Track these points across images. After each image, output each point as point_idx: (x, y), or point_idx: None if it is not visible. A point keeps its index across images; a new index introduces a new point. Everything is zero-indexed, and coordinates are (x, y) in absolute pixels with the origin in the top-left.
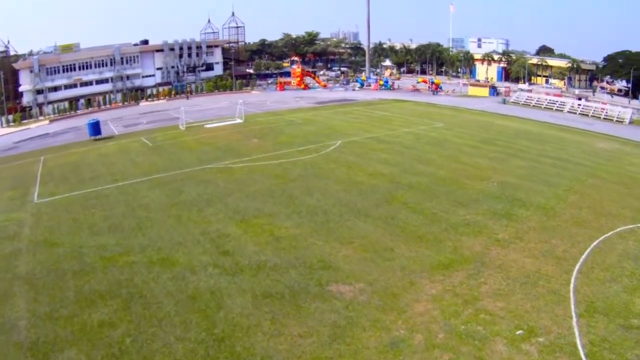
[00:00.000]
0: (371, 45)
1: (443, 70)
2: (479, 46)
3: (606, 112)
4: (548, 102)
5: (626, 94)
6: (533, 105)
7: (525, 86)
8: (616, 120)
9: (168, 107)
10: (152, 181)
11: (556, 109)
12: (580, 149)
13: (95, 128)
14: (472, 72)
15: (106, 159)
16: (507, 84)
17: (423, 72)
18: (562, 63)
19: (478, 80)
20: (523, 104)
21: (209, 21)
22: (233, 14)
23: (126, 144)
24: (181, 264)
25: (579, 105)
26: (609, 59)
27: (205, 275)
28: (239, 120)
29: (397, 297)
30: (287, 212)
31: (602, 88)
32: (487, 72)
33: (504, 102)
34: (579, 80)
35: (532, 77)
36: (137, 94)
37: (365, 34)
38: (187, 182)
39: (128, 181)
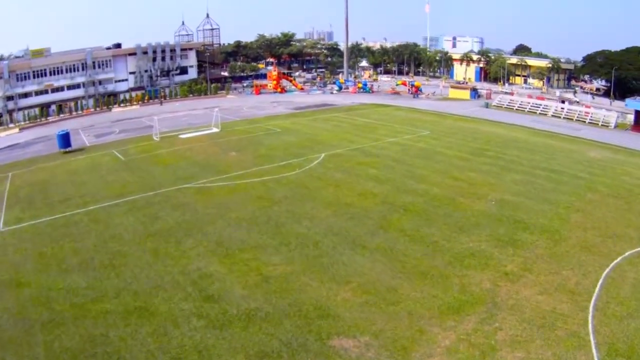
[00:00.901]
0: (350, 45)
1: (420, 70)
2: (454, 45)
3: (591, 116)
4: (531, 106)
5: (605, 94)
6: (516, 109)
7: (506, 88)
8: (601, 125)
9: (141, 113)
10: (126, 204)
11: (540, 113)
12: (572, 158)
13: (64, 140)
14: (450, 73)
15: (76, 176)
16: (486, 84)
17: (400, 72)
18: (542, 63)
19: (460, 82)
20: (506, 107)
21: (183, 23)
22: (207, 15)
23: (97, 158)
24: (161, 314)
25: (562, 108)
26: (588, 58)
27: (190, 329)
28: (215, 130)
29: (407, 351)
30: (274, 244)
31: (581, 88)
32: (465, 72)
33: (487, 106)
34: (558, 79)
35: (511, 77)
36: (109, 100)
37: (343, 35)
38: (163, 206)
39: (99, 204)
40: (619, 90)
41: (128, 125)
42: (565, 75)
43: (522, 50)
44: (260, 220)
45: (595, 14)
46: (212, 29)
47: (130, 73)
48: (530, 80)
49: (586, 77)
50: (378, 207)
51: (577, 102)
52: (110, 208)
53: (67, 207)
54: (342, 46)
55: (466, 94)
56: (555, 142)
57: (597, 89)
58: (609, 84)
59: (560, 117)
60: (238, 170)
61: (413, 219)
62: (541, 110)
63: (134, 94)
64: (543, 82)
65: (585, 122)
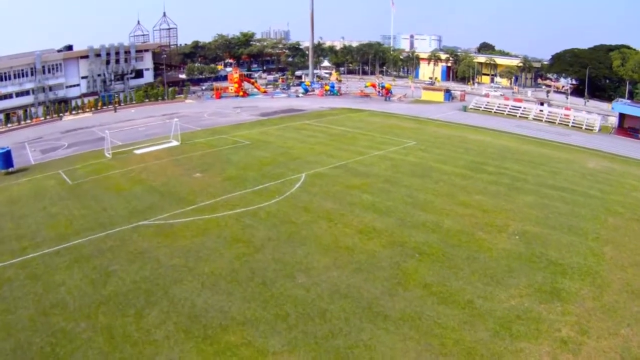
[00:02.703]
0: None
1: (384, 70)
2: (412, 43)
3: (574, 120)
4: (510, 109)
5: (575, 93)
6: (495, 112)
7: (476, 88)
8: (585, 128)
9: (94, 121)
10: (71, 251)
11: (520, 116)
12: (575, 171)
13: (5, 159)
14: (416, 72)
15: (15, 208)
16: (452, 84)
17: (364, 72)
18: (512, 62)
19: (431, 83)
20: (484, 110)
21: (138, 22)
22: (164, 14)
23: (41, 182)
24: None
25: (541, 111)
26: (557, 57)
27: None
28: (174, 143)
29: None
30: (267, 317)
31: (548, 86)
32: (433, 72)
33: (465, 109)
34: (526, 78)
35: (477, 76)
36: (60, 107)
37: (300, 34)
38: (117, 255)
39: (39, 250)
40: (589, 88)
41: (79, 136)
42: (532, 74)
43: (486, 48)
44: (242, 276)
45: (555, 12)
46: (169, 29)
47: (83, 77)
48: (497, 79)
49: (552, 75)
50: (387, 250)
51: (549, 102)
52: (52, 258)
53: (0, 254)
54: (304, 45)
55: (440, 96)
56: (550, 151)
57: (564, 87)
58: (576, 83)
59: (541, 121)
60: (205, 198)
61: (433, 267)
62: (521, 114)
63: (86, 100)
64: (511, 81)
65: (568, 125)
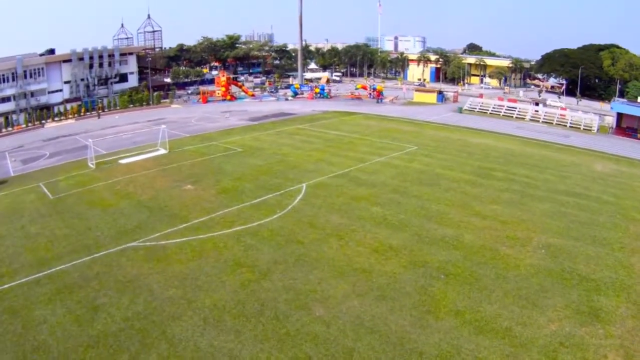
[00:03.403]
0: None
1: (372, 72)
2: (396, 44)
3: (571, 120)
4: (506, 109)
5: (566, 93)
6: (490, 113)
7: (466, 88)
8: (583, 129)
9: (77, 129)
10: (53, 280)
11: (516, 117)
12: (583, 175)
13: None
14: (404, 74)
15: None
16: (441, 85)
17: (352, 74)
18: (503, 62)
19: (422, 85)
20: (479, 111)
21: (122, 25)
22: (149, 16)
23: (20, 197)
24: None
25: (536, 111)
26: (547, 57)
27: None
28: (162, 151)
29: None
30: None
31: (537, 86)
32: (422, 73)
33: (460, 110)
34: (514, 79)
35: (467, 77)
36: (41, 114)
37: (285, 37)
38: (104, 285)
39: (18, 279)
40: (578, 88)
41: (61, 145)
42: (521, 74)
43: (473, 49)
44: (250, 309)
45: (540, 13)
46: (154, 31)
47: (65, 82)
48: (487, 79)
49: (540, 75)
50: (408, 272)
51: (545, 102)
52: (32, 288)
53: None
54: (290, 47)
55: (432, 98)
56: (553, 153)
57: (553, 87)
58: (565, 82)
59: (538, 121)
60: (199, 215)
61: (463, 290)
62: (517, 115)
63: (69, 106)
64: (500, 81)
65: (566, 126)
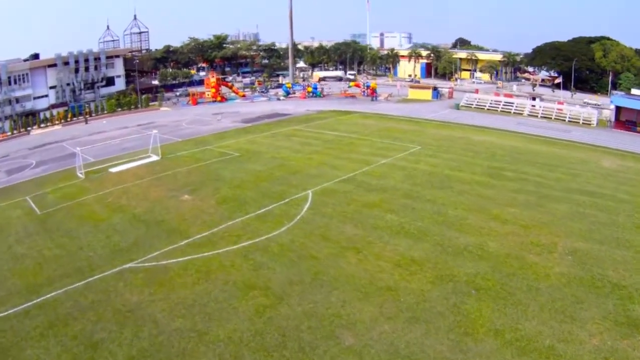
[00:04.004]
0: (286, 45)
1: (362, 68)
2: (382, 41)
3: (570, 114)
4: (503, 105)
5: (554, 85)
6: (487, 109)
7: (459, 84)
8: (583, 123)
9: (64, 135)
10: (44, 310)
11: (514, 112)
12: (592, 171)
13: None
14: (395, 70)
15: None
16: (433, 80)
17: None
18: (495, 57)
19: (416, 81)
20: (476, 107)
21: (108, 27)
22: (135, 17)
23: (5, 213)
24: None
25: (533, 106)
26: (538, 50)
27: None
28: (154, 157)
29: None
30: None
31: (527, 79)
32: (414, 69)
33: (457, 107)
34: (505, 72)
35: (458, 72)
36: (27, 121)
37: (271, 36)
38: (102, 315)
39: (5, 309)
40: (570, 81)
41: (48, 153)
42: (511, 67)
43: (462, 43)
44: (271, 341)
45: (524, 5)
46: (141, 32)
47: (51, 88)
48: (477, 74)
49: (530, 68)
50: (437, 288)
51: (541, 96)
52: (21, 321)
53: None
54: (278, 46)
55: (428, 94)
56: (559, 150)
57: (543, 80)
58: (556, 75)
59: (537, 116)
60: (200, 229)
61: (497, 306)
62: (515, 110)
63: (55, 111)
64: (491, 75)
65: (565, 120)
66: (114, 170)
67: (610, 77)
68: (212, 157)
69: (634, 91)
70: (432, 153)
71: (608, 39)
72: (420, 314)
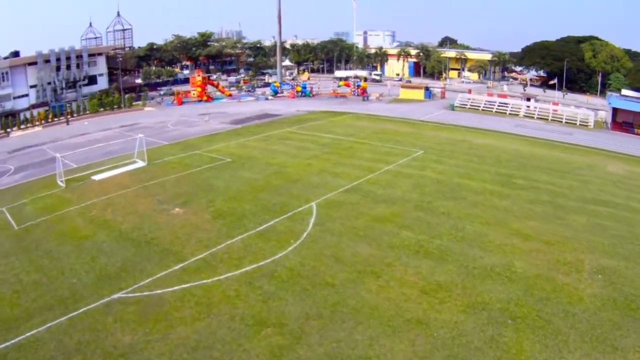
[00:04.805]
0: (270, 44)
1: (349, 67)
2: (365, 39)
3: (566, 116)
4: (498, 106)
5: (545, 85)
6: (482, 110)
7: (448, 83)
8: (580, 124)
9: (44, 137)
10: (23, 353)
11: (510, 114)
12: (601, 178)
13: None
14: (382, 69)
15: None
16: (421, 79)
17: (329, 71)
18: (484, 56)
19: (408, 81)
20: (470, 108)
21: (90, 24)
22: (118, 14)
23: None
24: None
25: (528, 107)
26: (527, 50)
27: None
28: (140, 163)
29: None
30: None
31: (515, 79)
32: (402, 68)
33: (452, 108)
34: (494, 72)
35: (446, 71)
36: (6, 122)
37: (254, 34)
38: None
39: None
40: (560, 81)
41: (28, 157)
42: (500, 67)
43: (449, 43)
44: None
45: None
46: (124, 30)
47: (31, 87)
48: (465, 73)
49: (518, 68)
50: (470, 319)
51: (536, 97)
52: None
53: None
54: (264, 44)
55: (420, 94)
56: (563, 154)
57: (531, 79)
58: (545, 75)
59: (533, 118)
60: (196, 249)
61: (536, 337)
62: (510, 111)
63: (35, 111)
64: (480, 75)
65: (562, 122)
66: (97, 177)
67: (599, 78)
68: (202, 163)
69: (624, 92)
70: (436, 158)
71: (597, 39)
72: (457, 351)
